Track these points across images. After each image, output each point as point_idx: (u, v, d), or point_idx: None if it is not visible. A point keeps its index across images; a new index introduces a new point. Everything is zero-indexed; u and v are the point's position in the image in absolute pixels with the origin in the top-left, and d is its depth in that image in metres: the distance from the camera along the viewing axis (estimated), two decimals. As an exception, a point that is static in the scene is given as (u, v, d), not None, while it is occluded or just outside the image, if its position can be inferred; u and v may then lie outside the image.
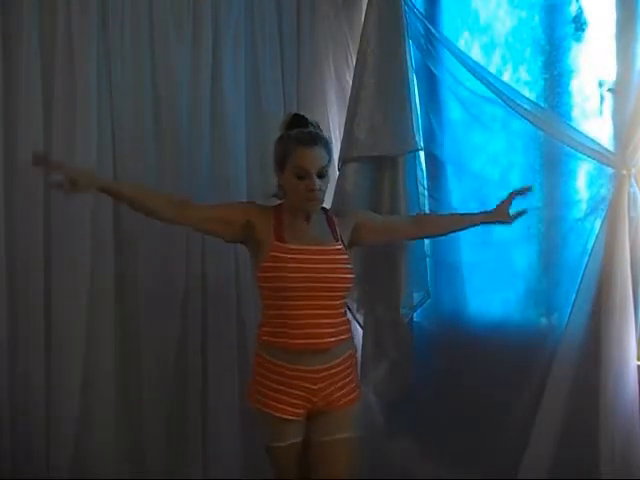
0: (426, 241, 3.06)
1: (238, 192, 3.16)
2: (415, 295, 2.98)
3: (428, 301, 3.02)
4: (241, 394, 3.03)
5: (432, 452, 3.01)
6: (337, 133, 3.26)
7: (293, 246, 2.37)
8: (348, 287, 2.46)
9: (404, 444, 3.10)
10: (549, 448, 2.49)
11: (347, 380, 2.45)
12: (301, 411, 2.40)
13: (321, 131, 2.49)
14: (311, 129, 2.44)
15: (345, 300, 2.49)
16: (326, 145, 2.42)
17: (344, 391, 2.44)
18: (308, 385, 2.38)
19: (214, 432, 3.16)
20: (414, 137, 2.93)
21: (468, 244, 2.97)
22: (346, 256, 2.44)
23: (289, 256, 2.35)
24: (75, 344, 2.93)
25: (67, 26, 2.89)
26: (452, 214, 2.82)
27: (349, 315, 2.80)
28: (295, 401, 2.38)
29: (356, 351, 2.58)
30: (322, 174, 2.37)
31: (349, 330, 2.50)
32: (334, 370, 2.41)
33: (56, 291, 2.93)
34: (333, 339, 2.39)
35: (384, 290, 2.97)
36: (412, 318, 3.06)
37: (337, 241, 2.45)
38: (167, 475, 3.11)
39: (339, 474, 2.43)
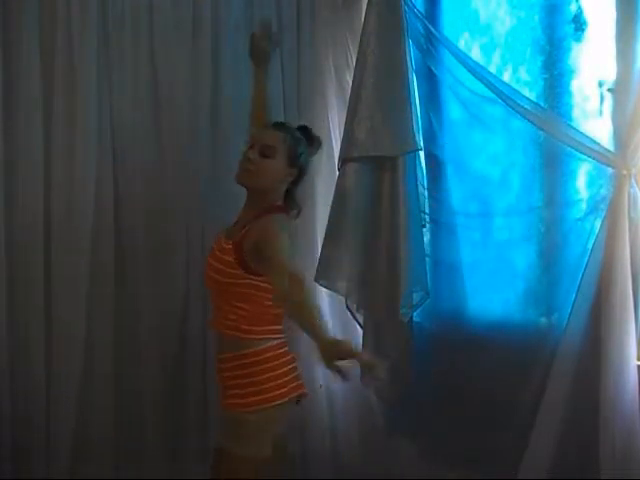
0: (426, 241, 3.06)
1: (238, 192, 3.15)
2: (415, 295, 2.97)
3: (428, 301, 3.02)
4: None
5: (432, 452, 3.01)
6: (337, 133, 3.26)
7: (221, 233, 2.45)
8: (225, 284, 2.36)
9: (404, 444, 3.11)
10: (549, 448, 2.49)
11: (237, 382, 2.36)
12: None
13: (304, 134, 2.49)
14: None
15: (241, 301, 2.36)
16: (288, 134, 2.41)
17: (232, 392, 2.37)
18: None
19: (214, 431, 3.15)
20: (414, 137, 2.93)
21: (468, 244, 2.97)
22: (228, 258, 2.33)
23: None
24: (75, 344, 2.93)
25: (67, 26, 2.90)
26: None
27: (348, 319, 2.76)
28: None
29: (249, 357, 2.36)
30: (266, 154, 2.36)
31: (240, 330, 2.36)
32: (225, 365, 2.40)
33: (56, 291, 2.93)
34: (219, 325, 2.40)
35: (384, 290, 2.97)
36: (412, 318, 3.06)
37: (230, 240, 2.36)
38: (167, 475, 3.12)
39: None
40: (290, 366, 2.40)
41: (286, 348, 2.42)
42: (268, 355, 2.36)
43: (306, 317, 2.04)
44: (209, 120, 3.16)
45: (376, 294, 3.00)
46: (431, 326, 3.13)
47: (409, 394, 3.04)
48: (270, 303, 2.35)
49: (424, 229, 3.05)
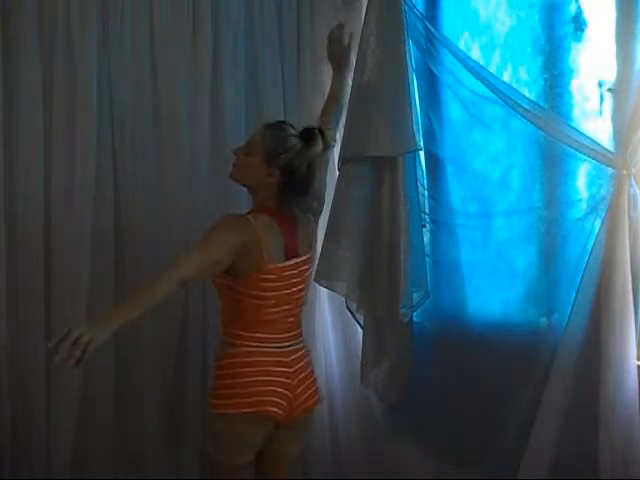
0: (426, 241, 3.06)
1: (238, 192, 3.16)
2: (415, 295, 2.97)
3: (428, 301, 3.02)
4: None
5: (432, 452, 3.01)
6: (337, 133, 3.26)
7: None
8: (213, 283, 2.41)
9: (404, 444, 3.10)
10: (549, 448, 2.48)
11: (211, 382, 2.40)
12: None
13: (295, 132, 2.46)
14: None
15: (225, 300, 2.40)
16: (270, 132, 2.41)
17: (209, 391, 2.41)
18: None
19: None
20: (414, 137, 2.93)
21: (468, 244, 2.97)
22: None
23: None
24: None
25: (67, 26, 2.90)
26: None
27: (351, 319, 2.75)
28: None
29: (222, 359, 2.37)
30: (246, 150, 2.42)
31: (222, 331, 2.40)
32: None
33: (56, 291, 2.93)
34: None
35: (384, 290, 2.97)
36: (412, 318, 3.06)
37: None
38: (167, 475, 3.12)
39: None
40: (259, 378, 2.30)
41: (262, 359, 2.32)
42: (235, 361, 2.32)
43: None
44: (209, 120, 3.16)
45: (376, 294, 3.00)
46: (431, 326, 3.13)
47: (409, 394, 3.04)
48: (238, 307, 2.33)
49: (424, 229, 3.05)
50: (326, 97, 2.99)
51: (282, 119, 3.24)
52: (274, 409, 2.32)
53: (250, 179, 2.43)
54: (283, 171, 2.38)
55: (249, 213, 2.43)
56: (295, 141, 2.41)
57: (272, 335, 2.37)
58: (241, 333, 2.34)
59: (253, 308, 2.34)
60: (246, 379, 2.30)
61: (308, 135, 2.43)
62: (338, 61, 3.02)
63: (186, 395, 3.16)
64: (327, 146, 2.52)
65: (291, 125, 2.50)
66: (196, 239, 3.09)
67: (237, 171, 2.45)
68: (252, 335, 2.34)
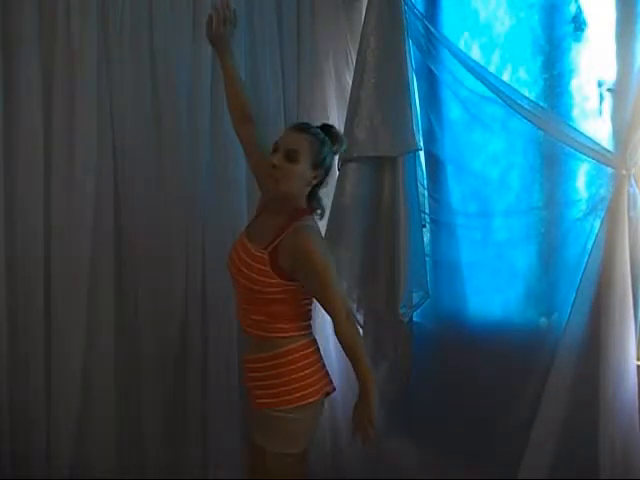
0: (426, 241, 3.06)
1: (238, 192, 3.17)
2: (415, 295, 2.98)
3: (428, 301, 3.02)
4: (241, 394, 3.03)
5: (432, 452, 3.01)
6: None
7: (243, 235, 2.43)
8: (258, 291, 2.32)
9: (404, 444, 3.10)
10: (549, 448, 2.49)
11: (270, 382, 2.35)
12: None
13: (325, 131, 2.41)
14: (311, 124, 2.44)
15: (276, 305, 2.34)
16: (312, 136, 2.34)
17: (264, 392, 2.36)
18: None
19: (214, 432, 3.16)
20: (414, 137, 2.93)
21: (468, 244, 2.97)
22: (263, 267, 2.29)
23: (234, 244, 2.45)
24: (75, 344, 2.93)
25: (67, 26, 2.90)
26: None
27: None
28: None
29: (286, 356, 2.35)
30: (291, 158, 2.29)
31: (270, 330, 2.35)
32: (254, 365, 2.39)
33: (56, 291, 2.93)
34: (249, 328, 2.38)
35: (384, 290, 2.97)
36: (412, 318, 3.06)
37: (265, 249, 2.30)
38: (167, 475, 3.12)
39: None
40: (320, 363, 2.40)
41: (316, 345, 2.42)
42: (300, 354, 2.36)
43: (359, 355, 2.30)
44: (209, 120, 3.16)
45: (376, 294, 3.01)
46: (431, 326, 3.13)
47: (409, 394, 3.04)
48: (302, 302, 2.38)
49: (424, 229, 3.06)
50: (224, 79, 2.67)
51: (282, 120, 3.26)
52: (332, 385, 2.46)
53: (299, 187, 2.36)
54: (326, 171, 2.40)
55: (296, 219, 2.35)
56: (328, 141, 2.40)
57: (310, 322, 2.46)
58: (303, 325, 2.39)
59: (307, 304, 2.41)
60: (320, 362, 2.40)
61: (333, 132, 2.43)
62: (219, 42, 2.63)
63: (186, 396, 3.16)
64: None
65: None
66: (196, 239, 3.12)
67: (287, 182, 2.31)
68: (307, 325, 2.42)
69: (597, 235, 2.42)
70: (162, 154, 3.10)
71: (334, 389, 2.44)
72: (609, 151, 2.42)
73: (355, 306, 3.03)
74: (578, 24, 2.60)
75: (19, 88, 2.86)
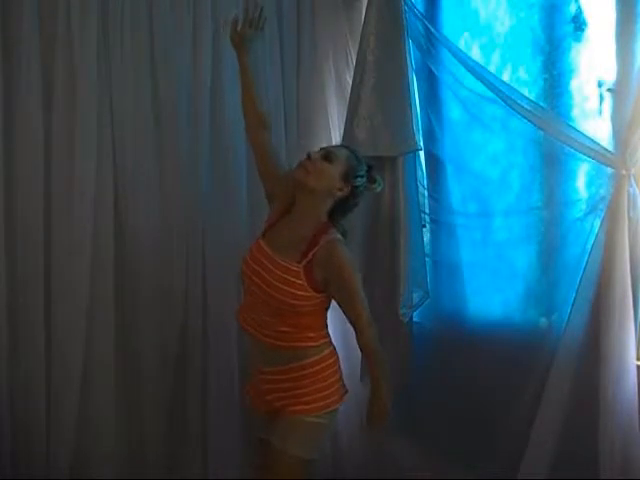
0: (426, 241, 3.06)
1: (238, 192, 3.17)
2: (415, 295, 2.98)
3: (428, 301, 3.02)
4: (241, 394, 3.03)
5: (431, 452, 3.01)
6: (337, 133, 3.27)
7: (262, 243, 2.41)
8: (291, 304, 2.35)
9: (404, 444, 3.11)
10: (549, 448, 2.49)
11: (294, 392, 2.39)
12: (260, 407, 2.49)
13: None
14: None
15: (306, 316, 2.39)
16: (353, 154, 2.44)
17: (294, 400, 2.40)
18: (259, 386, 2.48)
19: (214, 432, 3.16)
20: (414, 137, 2.93)
21: (468, 244, 2.97)
22: (298, 280, 2.33)
23: (252, 251, 2.43)
24: (75, 344, 2.93)
25: (67, 26, 2.90)
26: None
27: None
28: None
29: (314, 366, 2.41)
30: (327, 157, 2.38)
31: (299, 340, 2.39)
32: (282, 376, 2.41)
33: (56, 291, 2.94)
34: (269, 339, 2.38)
35: (384, 290, 2.97)
36: (412, 318, 3.06)
37: (299, 263, 2.33)
38: (167, 475, 3.12)
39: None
40: (340, 370, 2.49)
41: (336, 351, 2.49)
42: (328, 362, 2.44)
43: (379, 360, 2.40)
44: (209, 120, 3.16)
45: (376, 294, 3.00)
46: (431, 326, 3.14)
47: (409, 394, 3.04)
48: (325, 312, 2.45)
49: (424, 229, 3.06)
50: (242, 82, 2.67)
51: (282, 120, 3.25)
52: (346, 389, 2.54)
53: (322, 186, 2.38)
54: (353, 190, 2.42)
55: (324, 232, 2.38)
56: (365, 168, 2.46)
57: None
58: (326, 333, 2.47)
59: (326, 312, 2.47)
60: (338, 374, 2.48)
61: (372, 172, 2.49)
62: (240, 44, 2.65)
63: (186, 397, 3.16)
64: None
65: None
66: (196, 240, 3.11)
67: (316, 177, 2.37)
68: (328, 332, 2.49)
69: (597, 235, 2.42)
70: (162, 154, 3.10)
71: (347, 391, 2.51)
72: (609, 151, 2.41)
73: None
74: (578, 24, 2.60)
75: (19, 88, 2.86)
